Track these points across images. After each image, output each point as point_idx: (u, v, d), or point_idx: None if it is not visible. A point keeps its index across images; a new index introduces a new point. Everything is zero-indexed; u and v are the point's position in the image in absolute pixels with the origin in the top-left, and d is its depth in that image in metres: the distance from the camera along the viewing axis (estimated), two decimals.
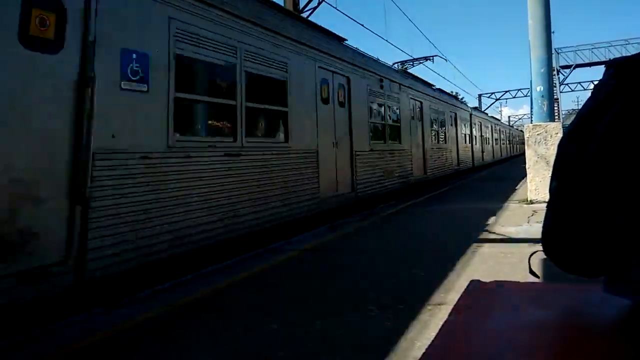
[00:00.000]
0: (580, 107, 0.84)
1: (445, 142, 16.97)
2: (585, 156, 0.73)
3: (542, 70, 8.74)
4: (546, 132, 8.42)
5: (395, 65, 18.21)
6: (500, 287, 1.05)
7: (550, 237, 0.81)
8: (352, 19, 26.80)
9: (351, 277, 4.00)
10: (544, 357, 0.73)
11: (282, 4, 9.96)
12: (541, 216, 0.84)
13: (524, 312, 0.89)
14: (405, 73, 14.66)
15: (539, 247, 0.84)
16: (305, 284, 3.88)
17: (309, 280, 4.00)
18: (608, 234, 0.71)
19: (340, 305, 3.28)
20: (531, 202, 8.37)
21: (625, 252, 0.71)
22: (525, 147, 8.76)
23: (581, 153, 0.74)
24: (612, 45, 35.28)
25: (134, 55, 4.38)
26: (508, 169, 23.18)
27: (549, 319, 0.85)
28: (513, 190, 11.10)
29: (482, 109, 46.42)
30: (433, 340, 0.79)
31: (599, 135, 0.72)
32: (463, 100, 28.70)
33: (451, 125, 18.19)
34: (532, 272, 0.99)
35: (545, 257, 0.83)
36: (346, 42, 9.96)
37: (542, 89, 8.73)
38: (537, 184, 8.44)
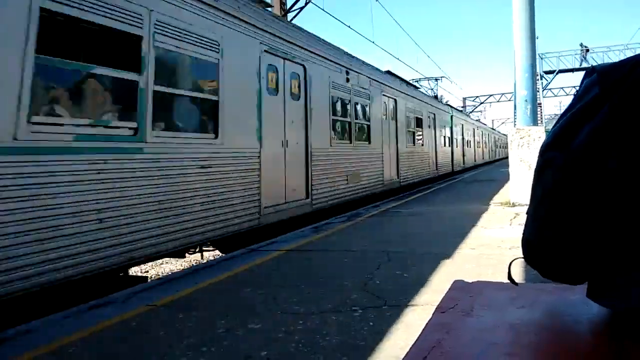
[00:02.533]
0: (562, 111, 0.83)
1: (370, 142, 11.29)
2: (570, 162, 0.72)
3: (526, 75, 8.86)
4: (529, 136, 8.54)
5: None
6: (483, 287, 1.06)
7: (532, 246, 0.80)
8: (338, 20, 26.89)
9: (335, 278, 4.00)
10: (526, 356, 0.74)
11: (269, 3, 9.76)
12: (523, 218, 0.84)
13: (506, 312, 0.90)
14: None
15: (520, 252, 0.84)
16: (288, 284, 3.87)
17: (291, 280, 3.99)
18: (594, 242, 0.71)
19: (324, 304, 3.28)
20: (513, 205, 8.47)
21: (611, 261, 0.71)
22: (509, 150, 8.87)
23: (565, 160, 0.73)
24: (594, 52, 35.95)
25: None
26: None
27: (530, 319, 0.86)
28: (495, 192, 11.22)
29: (467, 112, 46.19)
30: (416, 340, 0.79)
31: (584, 142, 0.71)
32: (447, 103, 27.44)
33: (385, 116, 12.32)
34: (510, 279, 0.99)
35: (525, 262, 0.83)
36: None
37: (525, 93, 8.84)
38: (519, 186, 8.55)
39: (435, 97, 25.24)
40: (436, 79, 27.19)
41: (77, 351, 2.65)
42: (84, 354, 2.63)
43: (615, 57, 32.96)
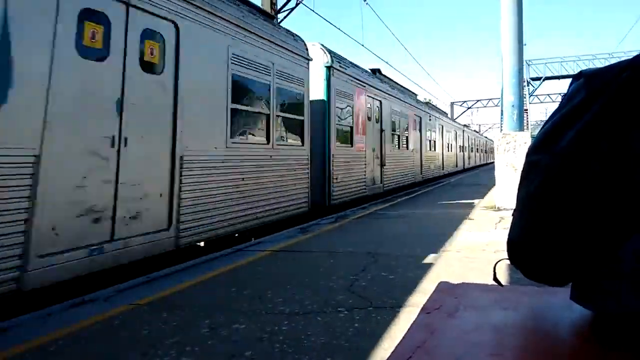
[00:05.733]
0: (548, 118, 0.84)
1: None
2: (555, 164, 0.73)
3: (513, 81, 8.95)
4: (515, 141, 8.63)
5: None
6: (467, 289, 1.07)
7: (516, 246, 0.81)
8: (328, 21, 26.67)
9: (320, 278, 4.00)
10: (509, 357, 0.74)
11: (259, 4, 9.86)
12: (507, 222, 0.85)
13: (490, 314, 0.91)
14: None
15: (505, 254, 0.85)
16: (273, 284, 3.86)
17: (277, 280, 3.98)
18: (578, 244, 0.72)
19: (309, 305, 3.28)
20: (498, 209, 8.55)
21: (594, 262, 0.72)
22: (495, 154, 8.96)
23: (551, 162, 0.74)
24: (580, 60, 36.60)
25: None
26: None
27: (513, 321, 0.87)
28: (481, 196, 11.32)
29: (454, 117, 46.28)
30: (401, 340, 0.80)
31: (569, 145, 0.72)
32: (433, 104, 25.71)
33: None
34: (496, 279, 1.00)
35: (510, 264, 0.84)
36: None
37: (512, 99, 8.94)
38: (504, 191, 8.63)
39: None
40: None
41: (59, 349, 2.62)
42: (65, 352, 2.59)
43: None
